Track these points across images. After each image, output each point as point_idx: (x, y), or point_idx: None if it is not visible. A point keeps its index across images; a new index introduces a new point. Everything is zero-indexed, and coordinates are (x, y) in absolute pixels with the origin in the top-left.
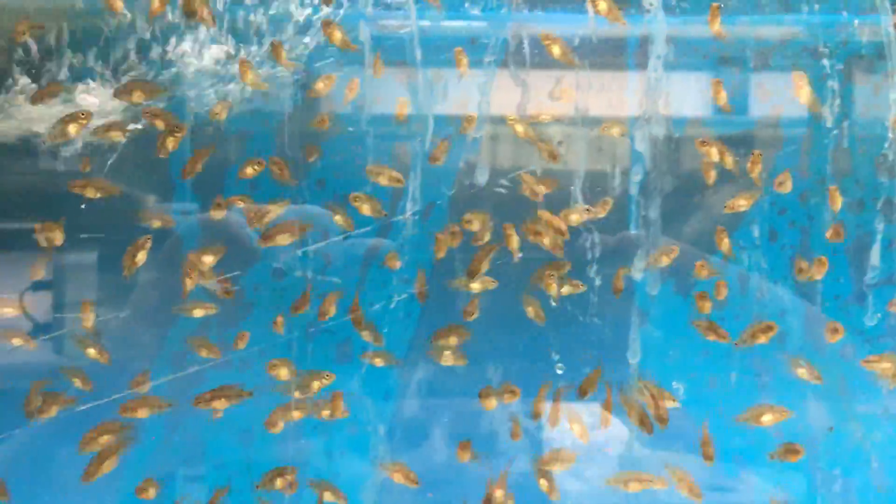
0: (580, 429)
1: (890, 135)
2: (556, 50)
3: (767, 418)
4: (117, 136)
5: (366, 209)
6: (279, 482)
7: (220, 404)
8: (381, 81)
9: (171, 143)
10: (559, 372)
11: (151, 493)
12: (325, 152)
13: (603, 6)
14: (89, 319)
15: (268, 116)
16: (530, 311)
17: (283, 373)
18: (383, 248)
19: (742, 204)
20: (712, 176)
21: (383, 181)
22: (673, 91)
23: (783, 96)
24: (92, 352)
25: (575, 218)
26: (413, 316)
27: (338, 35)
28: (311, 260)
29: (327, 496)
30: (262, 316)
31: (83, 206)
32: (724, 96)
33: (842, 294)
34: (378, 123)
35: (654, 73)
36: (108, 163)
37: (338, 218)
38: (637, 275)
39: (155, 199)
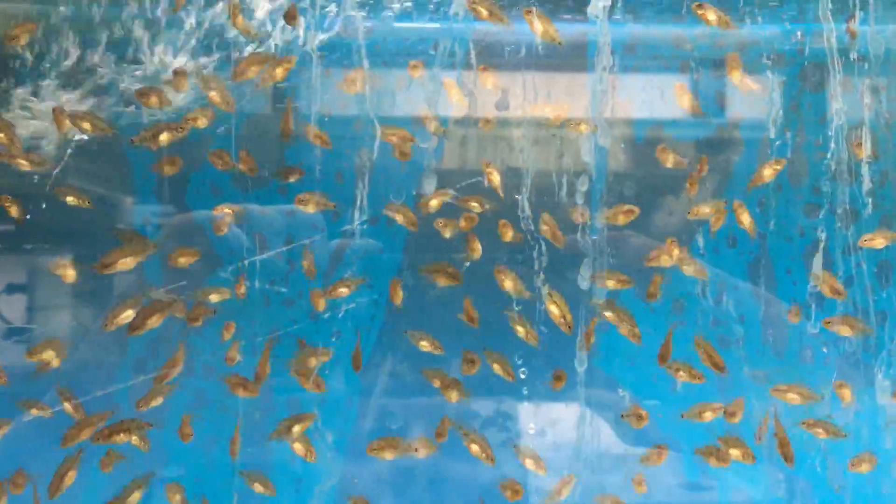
0: (533, 462)
1: (832, 144)
2: (489, 82)
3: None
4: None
5: (311, 208)
6: (296, 429)
7: (121, 439)
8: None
9: (164, 138)
10: (522, 376)
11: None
12: (287, 158)
13: (483, 12)
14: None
15: (228, 121)
16: (509, 284)
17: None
18: (349, 249)
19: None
20: (695, 188)
21: (400, 219)
22: (632, 95)
23: (743, 102)
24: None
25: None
26: (376, 320)
27: (240, 21)
28: (274, 265)
29: (257, 487)
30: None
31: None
32: (688, 99)
33: (799, 298)
34: (340, 126)
35: (601, 82)
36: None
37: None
38: (584, 283)
39: (132, 201)
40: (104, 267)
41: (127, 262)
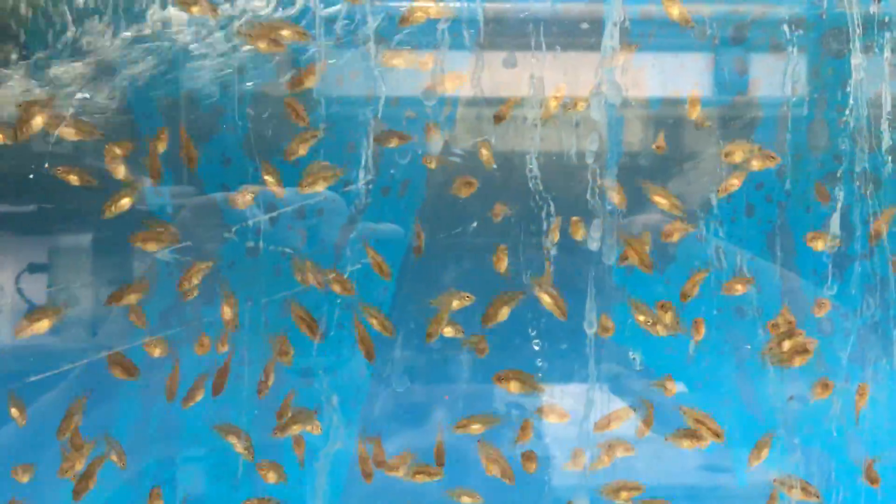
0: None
1: (850, 101)
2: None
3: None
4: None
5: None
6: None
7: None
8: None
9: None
10: (536, 348)
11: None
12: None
13: None
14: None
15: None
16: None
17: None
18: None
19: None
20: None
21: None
22: (646, 69)
23: (763, 71)
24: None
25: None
26: (388, 293)
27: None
28: (286, 237)
29: (231, 439)
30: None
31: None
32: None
33: (819, 268)
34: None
35: (608, 54)
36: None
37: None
38: (594, 245)
39: (151, 182)
40: (19, 332)
41: (41, 326)
